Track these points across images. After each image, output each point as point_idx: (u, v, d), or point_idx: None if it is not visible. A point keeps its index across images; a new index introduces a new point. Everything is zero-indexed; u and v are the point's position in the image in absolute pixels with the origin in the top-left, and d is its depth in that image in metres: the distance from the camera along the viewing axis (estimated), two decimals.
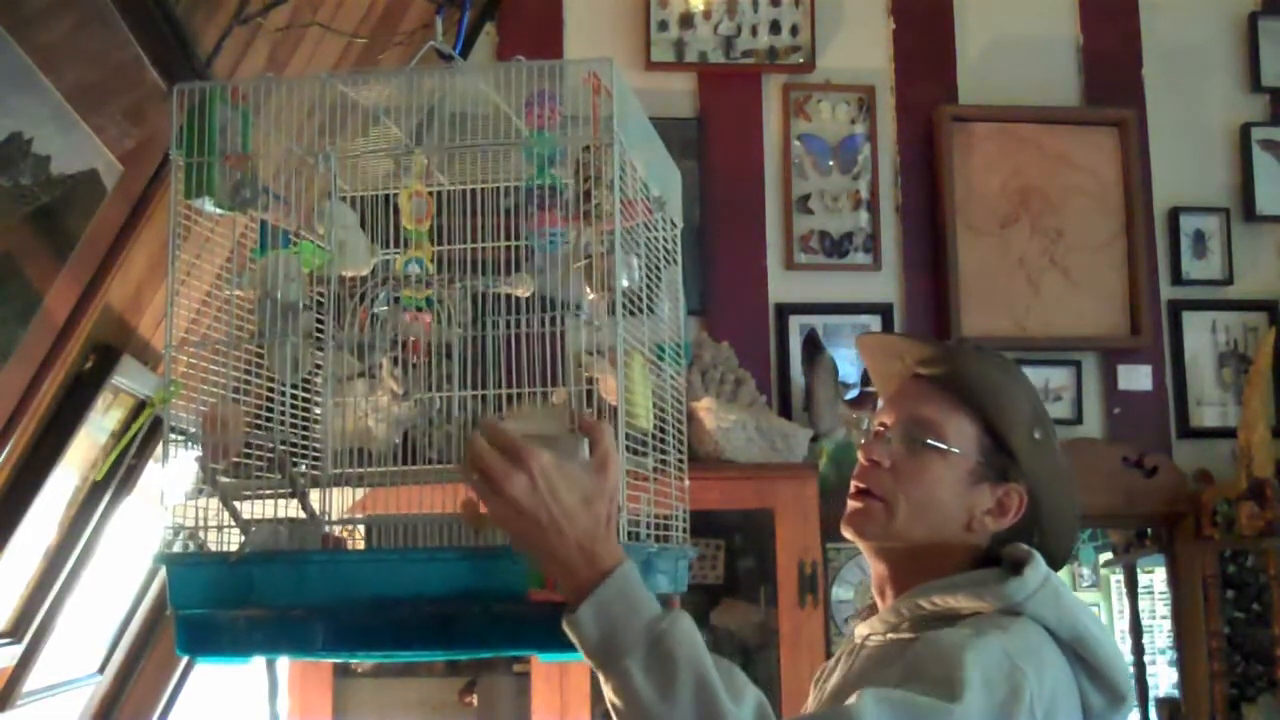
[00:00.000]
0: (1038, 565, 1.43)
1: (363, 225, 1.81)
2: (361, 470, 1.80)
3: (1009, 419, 1.54)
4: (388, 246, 1.84)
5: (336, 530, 1.66)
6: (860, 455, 1.57)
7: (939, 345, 1.62)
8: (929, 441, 1.51)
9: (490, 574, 1.45)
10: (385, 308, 1.72)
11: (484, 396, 1.73)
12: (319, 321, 1.76)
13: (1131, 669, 3.87)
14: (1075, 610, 1.42)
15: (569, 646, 1.40)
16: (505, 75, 1.61)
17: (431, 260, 1.75)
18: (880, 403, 1.64)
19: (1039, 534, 1.52)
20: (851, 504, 1.55)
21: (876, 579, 1.58)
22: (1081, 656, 1.41)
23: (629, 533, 1.48)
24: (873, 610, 1.60)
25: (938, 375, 1.56)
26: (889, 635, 1.49)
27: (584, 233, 1.61)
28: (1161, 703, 3.77)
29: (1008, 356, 1.68)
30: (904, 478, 1.51)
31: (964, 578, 1.46)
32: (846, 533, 1.57)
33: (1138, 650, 3.95)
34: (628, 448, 1.53)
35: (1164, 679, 4.01)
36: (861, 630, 1.55)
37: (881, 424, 1.58)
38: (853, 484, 1.56)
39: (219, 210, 1.67)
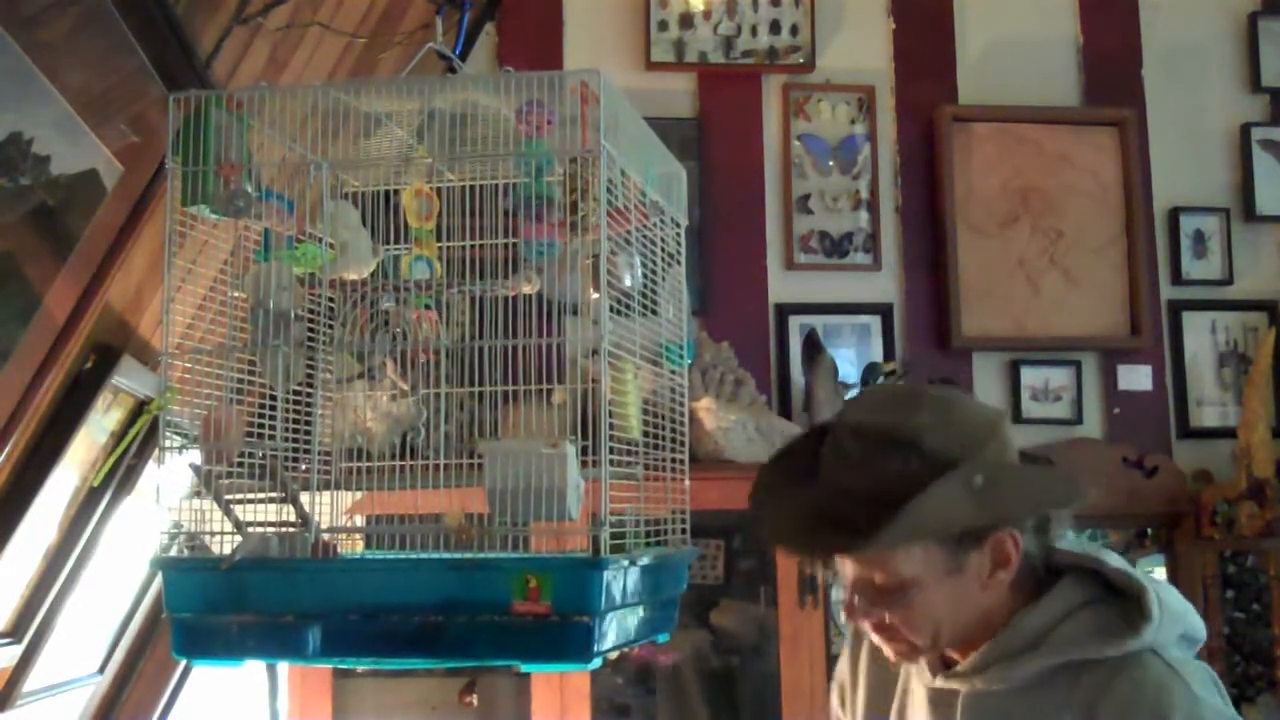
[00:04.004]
0: (1150, 595, 1.40)
1: (364, 221, 1.81)
2: (356, 465, 1.81)
3: (946, 511, 1.34)
4: (390, 243, 1.84)
5: (328, 535, 1.66)
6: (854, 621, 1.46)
7: (829, 517, 1.38)
8: (895, 596, 1.40)
9: (475, 585, 1.46)
10: (390, 305, 1.73)
11: (482, 394, 1.73)
12: (314, 325, 1.76)
13: None
14: (1178, 610, 1.43)
15: (551, 657, 1.41)
16: (497, 85, 1.62)
17: (438, 257, 1.75)
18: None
19: (1046, 524, 1.46)
20: (884, 645, 1.47)
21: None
22: (1188, 639, 1.45)
23: (615, 543, 1.49)
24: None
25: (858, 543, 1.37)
26: (994, 687, 1.43)
27: (574, 242, 1.61)
28: None
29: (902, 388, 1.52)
30: (905, 623, 1.41)
31: (1088, 628, 1.40)
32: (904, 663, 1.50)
33: None
34: (614, 457, 1.54)
35: None
36: (940, 682, 1.47)
37: (848, 582, 1.46)
38: (869, 630, 1.47)
39: (216, 216, 1.68)
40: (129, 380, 2.16)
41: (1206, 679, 1.41)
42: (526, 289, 1.72)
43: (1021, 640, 1.41)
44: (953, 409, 1.42)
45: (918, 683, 1.53)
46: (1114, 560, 1.46)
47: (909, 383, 1.53)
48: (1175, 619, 1.42)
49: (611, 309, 1.62)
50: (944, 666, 1.49)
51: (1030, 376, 3.53)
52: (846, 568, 1.44)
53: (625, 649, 1.69)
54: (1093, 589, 1.45)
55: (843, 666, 1.69)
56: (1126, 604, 1.42)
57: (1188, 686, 1.37)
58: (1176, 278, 3.63)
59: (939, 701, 1.48)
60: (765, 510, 1.48)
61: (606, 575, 1.47)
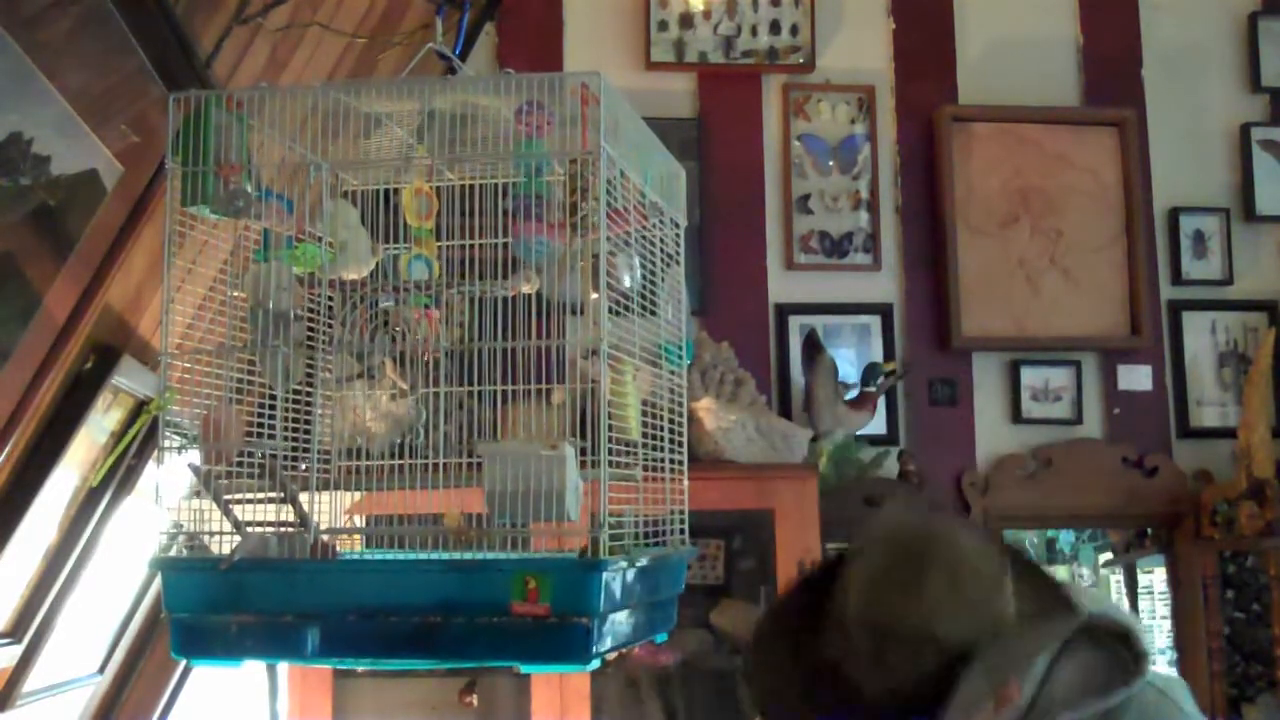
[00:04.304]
0: (1137, 633, 1.37)
1: (363, 221, 1.81)
2: (356, 465, 1.81)
3: (961, 706, 1.28)
4: (389, 242, 1.84)
5: (327, 536, 1.66)
6: None
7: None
8: None
9: (474, 586, 1.47)
10: (389, 305, 1.73)
11: (481, 394, 1.73)
12: (313, 325, 1.77)
13: None
14: (1147, 636, 1.42)
15: (550, 658, 1.41)
16: (497, 86, 1.62)
17: (436, 256, 1.75)
18: None
19: None
20: None
21: None
22: None
23: (614, 544, 1.49)
24: None
25: None
26: None
27: (574, 243, 1.62)
28: None
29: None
30: None
31: (1077, 683, 1.35)
32: None
33: None
34: (613, 458, 1.54)
35: None
36: None
37: None
38: None
39: (216, 216, 1.68)
40: (129, 380, 2.16)
41: (1183, 688, 1.41)
42: (526, 289, 1.72)
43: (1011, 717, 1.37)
44: (960, 573, 1.34)
45: None
46: (1086, 600, 1.41)
47: (910, 523, 1.37)
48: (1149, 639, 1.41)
49: (611, 309, 1.62)
50: None
51: (1030, 376, 3.53)
52: None
53: (624, 649, 1.69)
54: (1063, 626, 1.40)
55: None
56: (1104, 639, 1.38)
57: (1181, 709, 1.37)
58: (1176, 278, 3.63)
59: None
60: (767, 697, 1.41)
61: (605, 576, 1.47)
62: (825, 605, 1.38)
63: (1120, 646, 1.39)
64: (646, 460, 1.76)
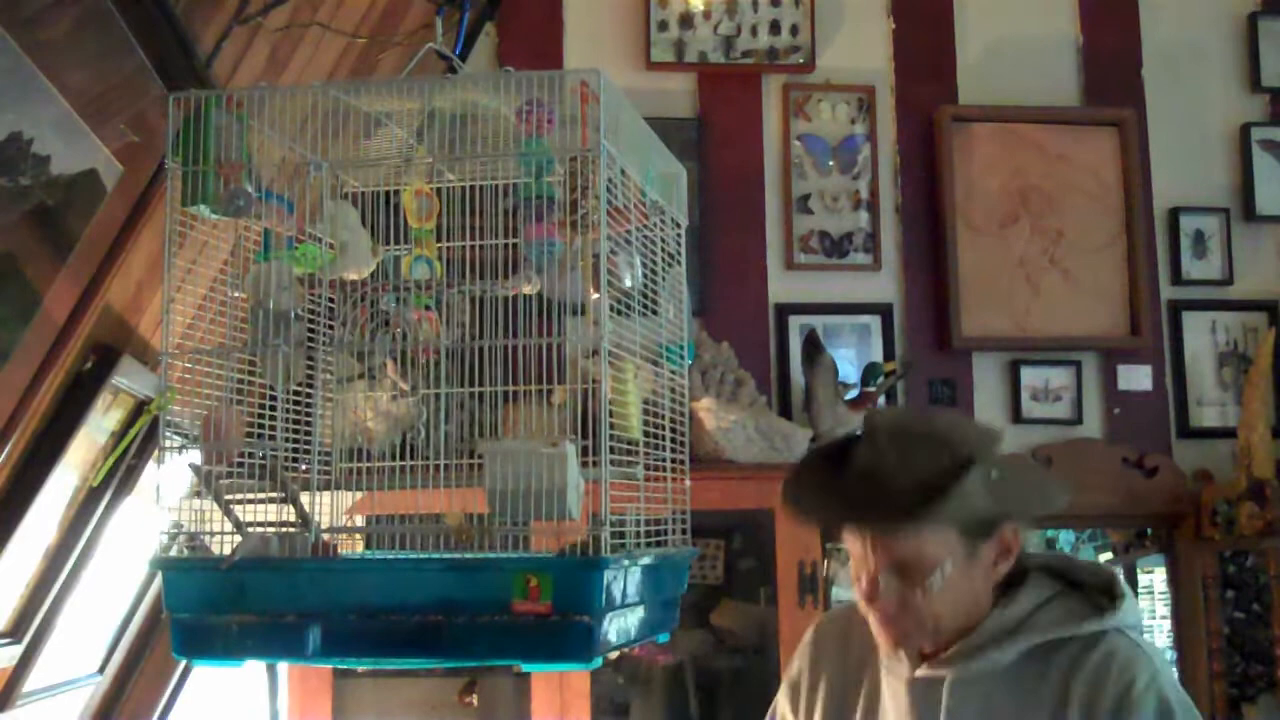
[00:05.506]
0: (1119, 580, 1.58)
1: (364, 222, 1.81)
2: (358, 465, 1.81)
3: (970, 500, 1.49)
4: (389, 244, 1.84)
5: (328, 535, 1.66)
6: (863, 603, 1.57)
7: (871, 491, 1.53)
8: (919, 577, 1.52)
9: (475, 584, 1.46)
10: (391, 306, 1.73)
11: (482, 395, 1.73)
12: (314, 325, 1.76)
13: None
14: (1135, 603, 1.60)
15: (551, 657, 1.41)
16: (497, 85, 1.62)
17: (438, 258, 1.75)
18: (846, 536, 1.59)
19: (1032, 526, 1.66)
20: (887, 630, 1.56)
21: None
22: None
23: (615, 542, 1.49)
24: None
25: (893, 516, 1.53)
26: (977, 671, 1.54)
27: (574, 241, 1.62)
28: None
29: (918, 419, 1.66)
30: (922, 610, 1.53)
31: (1061, 614, 1.56)
32: (897, 653, 1.59)
33: None
34: (614, 457, 1.54)
35: None
36: (924, 671, 1.57)
37: (866, 565, 1.55)
38: (876, 616, 1.56)
39: (216, 216, 1.68)
40: (129, 380, 2.16)
41: (1165, 659, 1.59)
42: (527, 289, 1.72)
43: (1002, 628, 1.56)
44: (963, 418, 1.63)
45: (892, 678, 1.62)
46: (1080, 557, 1.65)
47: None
48: (1135, 607, 1.58)
49: (611, 309, 1.62)
50: (921, 660, 1.60)
51: (1030, 376, 3.53)
52: (872, 558, 1.54)
53: (626, 649, 1.69)
54: (1058, 584, 1.60)
55: (800, 667, 1.75)
56: (1092, 593, 1.58)
57: (1150, 660, 1.54)
58: (1176, 278, 3.63)
59: (922, 690, 1.58)
60: (809, 492, 1.60)
61: (606, 575, 1.47)
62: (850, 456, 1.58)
63: (1099, 592, 1.59)
64: (647, 460, 1.76)
